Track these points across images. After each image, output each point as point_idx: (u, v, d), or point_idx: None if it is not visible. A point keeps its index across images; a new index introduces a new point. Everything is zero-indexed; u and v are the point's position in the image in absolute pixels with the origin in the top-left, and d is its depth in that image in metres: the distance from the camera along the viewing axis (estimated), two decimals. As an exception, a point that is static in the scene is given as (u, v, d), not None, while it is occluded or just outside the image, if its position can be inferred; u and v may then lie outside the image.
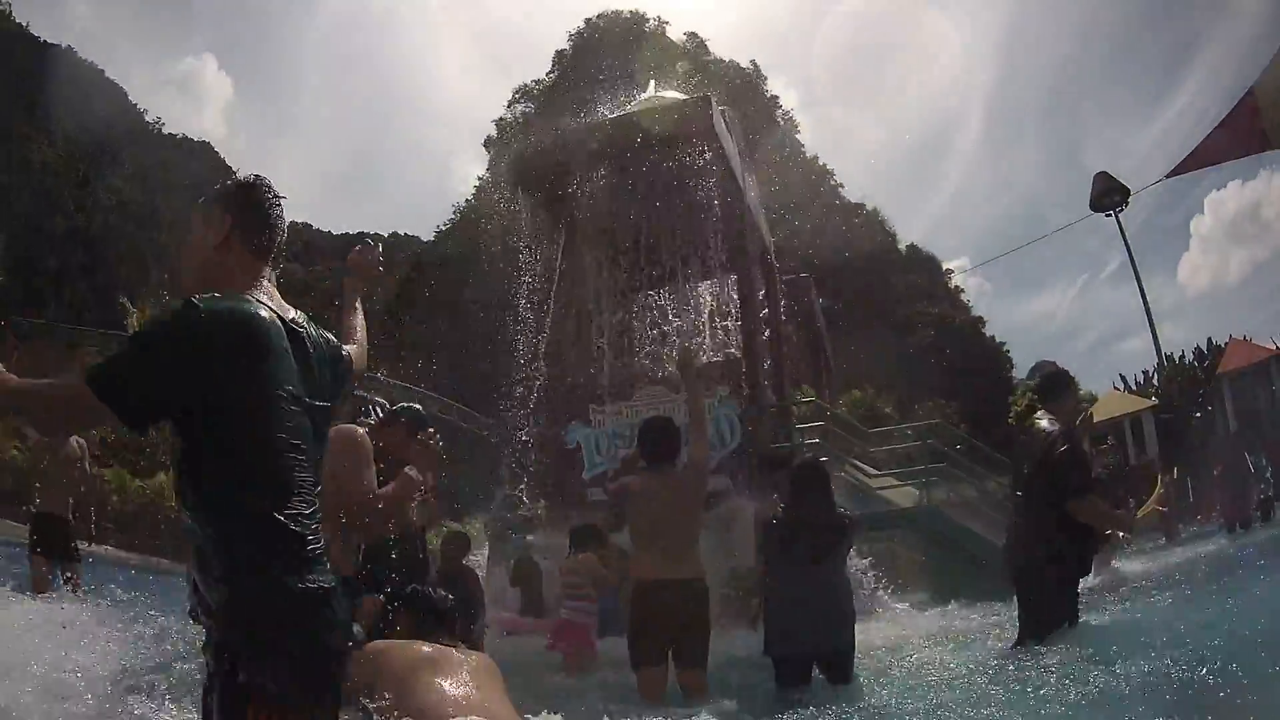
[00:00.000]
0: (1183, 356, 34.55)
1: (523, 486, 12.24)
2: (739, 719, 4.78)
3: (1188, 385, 30.82)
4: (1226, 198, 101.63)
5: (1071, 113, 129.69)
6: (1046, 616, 5.55)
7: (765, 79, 72.82)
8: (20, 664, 4.11)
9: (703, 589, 5.18)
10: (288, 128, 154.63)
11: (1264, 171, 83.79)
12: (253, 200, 2.61)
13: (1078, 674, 4.67)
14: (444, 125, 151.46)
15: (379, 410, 4.94)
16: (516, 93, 71.38)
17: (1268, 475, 17.32)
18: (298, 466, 2.20)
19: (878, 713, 4.69)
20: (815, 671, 5.25)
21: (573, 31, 72.59)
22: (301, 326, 2.42)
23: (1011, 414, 44.61)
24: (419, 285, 61.67)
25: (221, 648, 2.05)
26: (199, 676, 2.20)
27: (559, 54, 71.29)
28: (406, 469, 4.20)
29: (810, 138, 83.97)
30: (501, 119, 69.53)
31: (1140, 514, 16.70)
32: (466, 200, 66.06)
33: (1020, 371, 59.19)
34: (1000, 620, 8.07)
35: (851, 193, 70.03)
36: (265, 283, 2.49)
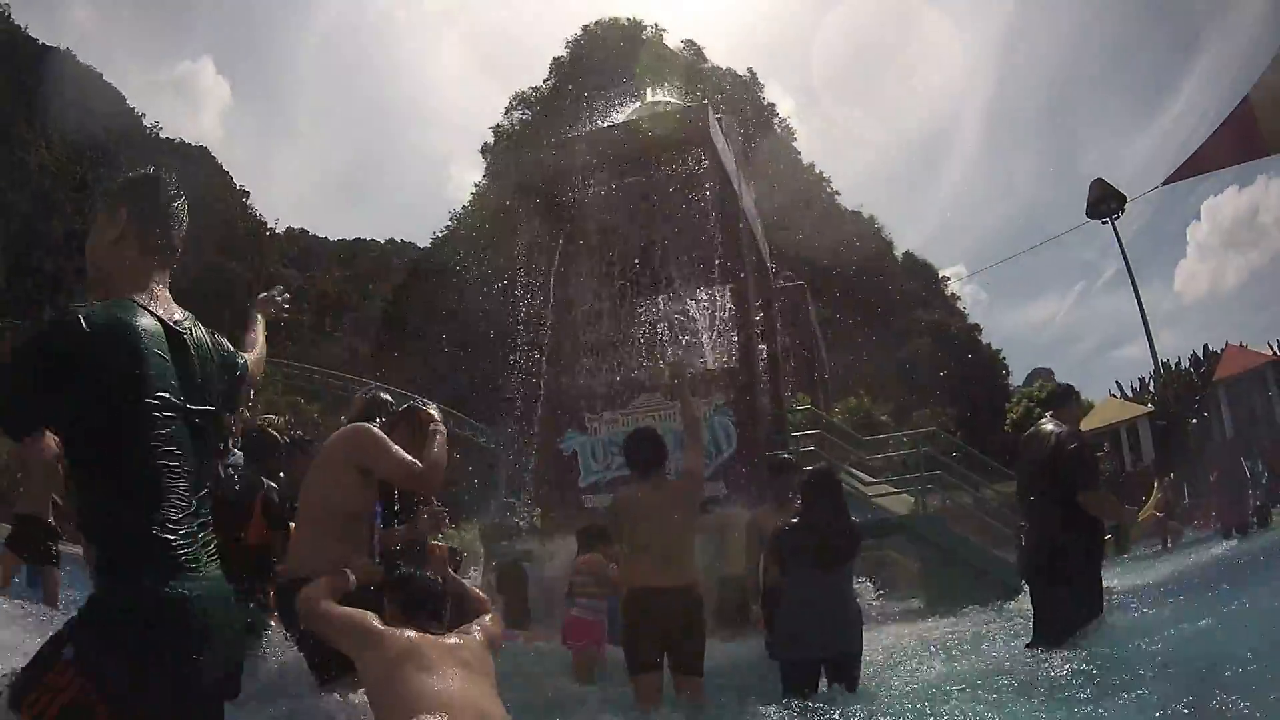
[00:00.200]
0: (1179, 363, 34.61)
1: (519, 494, 12.24)
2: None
3: (1184, 392, 30.88)
4: (1223, 204, 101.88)
5: (1068, 120, 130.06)
6: (1064, 614, 5.60)
7: (762, 86, 73.12)
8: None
9: (697, 595, 5.20)
10: (285, 133, 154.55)
11: (1261, 177, 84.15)
12: (148, 197, 2.61)
13: (1081, 681, 4.68)
14: (441, 131, 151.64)
15: (388, 409, 4.94)
16: (514, 99, 71.53)
17: (1264, 481, 17.37)
18: (169, 473, 2.20)
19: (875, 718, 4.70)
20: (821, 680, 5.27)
21: (570, 39, 72.84)
22: (187, 330, 2.43)
23: (1008, 421, 44.65)
24: (415, 292, 61.70)
25: (69, 639, 2.09)
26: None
27: (556, 61, 71.43)
28: (432, 427, 4.14)
29: (806, 145, 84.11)
30: (499, 126, 69.71)
31: (1139, 518, 16.74)
32: (463, 207, 66.13)
33: (1017, 379, 59.39)
34: (997, 628, 8.08)
35: (848, 200, 70.29)
36: (156, 284, 2.49)
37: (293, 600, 3.69)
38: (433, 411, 4.29)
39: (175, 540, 2.16)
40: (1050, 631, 5.67)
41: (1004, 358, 62.48)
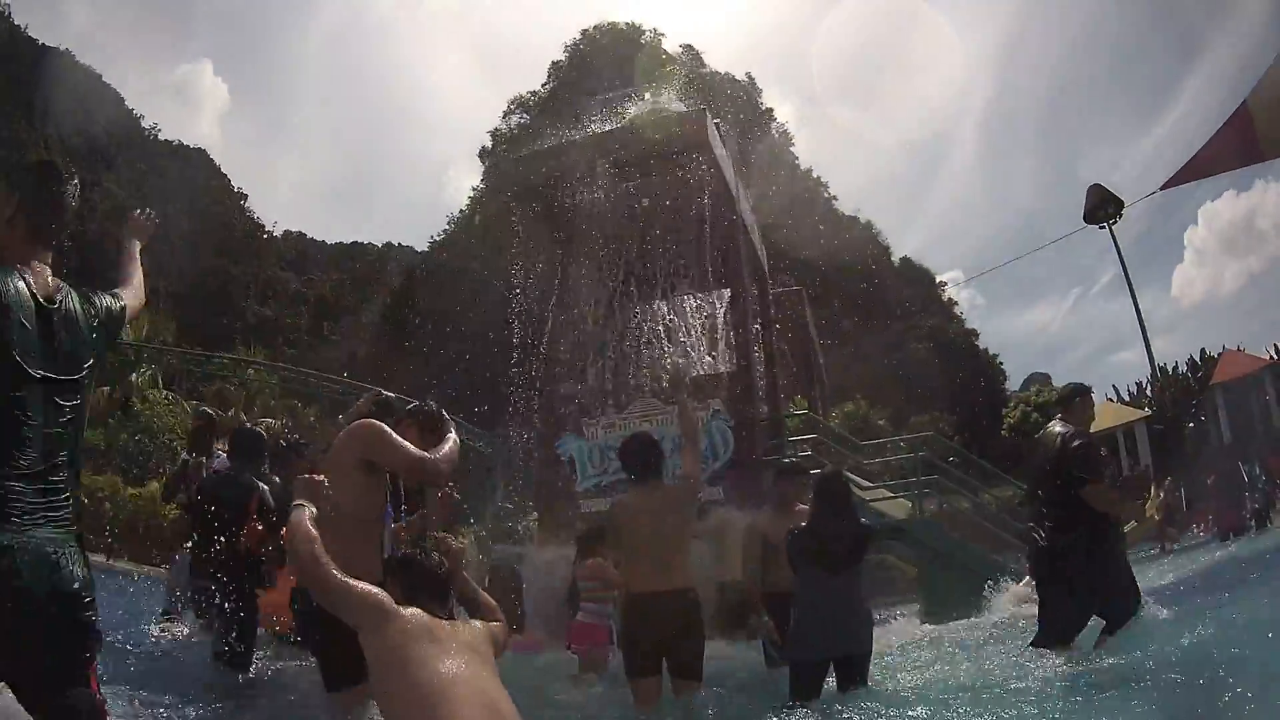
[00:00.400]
0: (1176, 367, 34.64)
1: (515, 498, 12.25)
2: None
3: (1181, 396, 30.89)
4: (1221, 209, 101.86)
5: (1066, 126, 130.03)
6: (1065, 614, 5.63)
7: (760, 91, 73.13)
8: None
9: (695, 599, 5.22)
10: (283, 136, 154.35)
11: (1259, 182, 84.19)
12: (40, 182, 2.78)
13: (1075, 684, 4.69)
14: (439, 136, 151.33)
15: (394, 408, 4.93)
16: (512, 104, 71.43)
17: (1261, 485, 17.38)
18: (9, 435, 2.39)
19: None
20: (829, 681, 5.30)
21: (569, 43, 72.81)
22: (55, 303, 2.61)
23: (1005, 426, 44.68)
24: (413, 296, 61.68)
25: None
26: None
27: (555, 65, 71.39)
28: (448, 435, 4.17)
29: (804, 150, 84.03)
30: (497, 130, 69.60)
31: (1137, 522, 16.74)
32: (461, 211, 66.08)
33: (1014, 384, 59.30)
34: (994, 632, 8.09)
35: (845, 205, 70.28)
36: (37, 260, 2.67)
37: (309, 604, 3.68)
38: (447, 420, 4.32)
39: (4, 496, 2.34)
40: (1053, 631, 5.69)
41: (1001, 362, 62.48)
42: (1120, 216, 28.45)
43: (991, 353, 63.38)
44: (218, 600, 5.40)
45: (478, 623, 3.47)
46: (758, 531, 6.62)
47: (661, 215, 12.10)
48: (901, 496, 14.05)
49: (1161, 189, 20.76)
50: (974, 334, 65.30)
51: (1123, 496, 6.49)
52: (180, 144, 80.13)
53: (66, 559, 2.50)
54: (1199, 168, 19.08)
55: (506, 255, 13.50)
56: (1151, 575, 12.21)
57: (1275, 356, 29.05)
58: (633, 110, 14.54)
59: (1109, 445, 26.63)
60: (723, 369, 12.85)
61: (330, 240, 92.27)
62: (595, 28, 72.97)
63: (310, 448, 6.94)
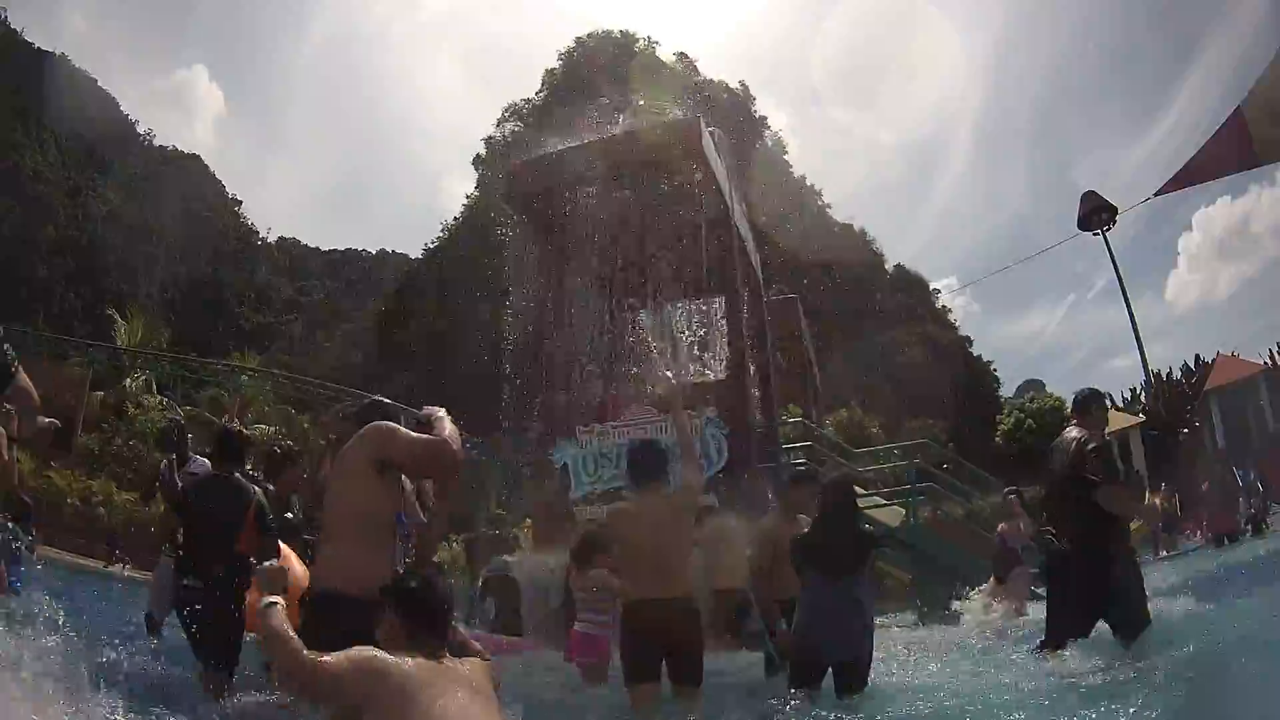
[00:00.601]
0: (1170, 373, 34.81)
1: (509, 505, 12.25)
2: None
3: (1176, 401, 31.02)
4: (1215, 214, 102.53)
5: (1060, 132, 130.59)
6: (1078, 618, 5.66)
7: (754, 99, 73.39)
8: None
9: (695, 606, 5.24)
10: (277, 142, 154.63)
11: (1254, 187, 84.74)
12: None
13: (1072, 687, 4.71)
14: (434, 143, 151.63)
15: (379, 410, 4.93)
16: (506, 111, 71.59)
17: (1257, 489, 17.44)
18: None
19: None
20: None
21: (563, 50, 73.00)
22: None
23: (999, 433, 44.75)
24: (407, 303, 61.68)
25: None
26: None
27: (549, 73, 71.57)
28: (437, 415, 4.12)
29: (798, 157, 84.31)
30: (491, 137, 69.70)
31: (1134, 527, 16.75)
32: (455, 218, 66.11)
33: (1007, 390, 59.41)
34: (988, 638, 8.10)
35: (839, 212, 70.54)
36: None
37: (321, 614, 3.62)
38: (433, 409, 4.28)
39: None
40: (1061, 634, 5.72)
41: (995, 369, 62.74)
42: (1114, 223, 28.42)
43: (985, 359, 63.55)
44: (204, 602, 5.34)
45: (475, 660, 3.36)
46: (769, 538, 6.60)
47: (656, 223, 12.11)
48: (895, 504, 14.07)
49: (1156, 195, 20.74)
50: (967, 340, 65.49)
51: (1135, 501, 6.51)
52: (175, 149, 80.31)
53: None
54: (1193, 173, 19.07)
55: (501, 263, 13.49)
56: (1149, 580, 12.22)
57: (1269, 362, 29.17)
58: (627, 118, 14.57)
59: (1103, 451, 26.69)
60: (717, 376, 12.86)
61: (324, 247, 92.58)
62: (590, 35, 73.24)
63: (304, 455, 6.93)
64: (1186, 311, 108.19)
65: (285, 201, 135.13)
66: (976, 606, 10.12)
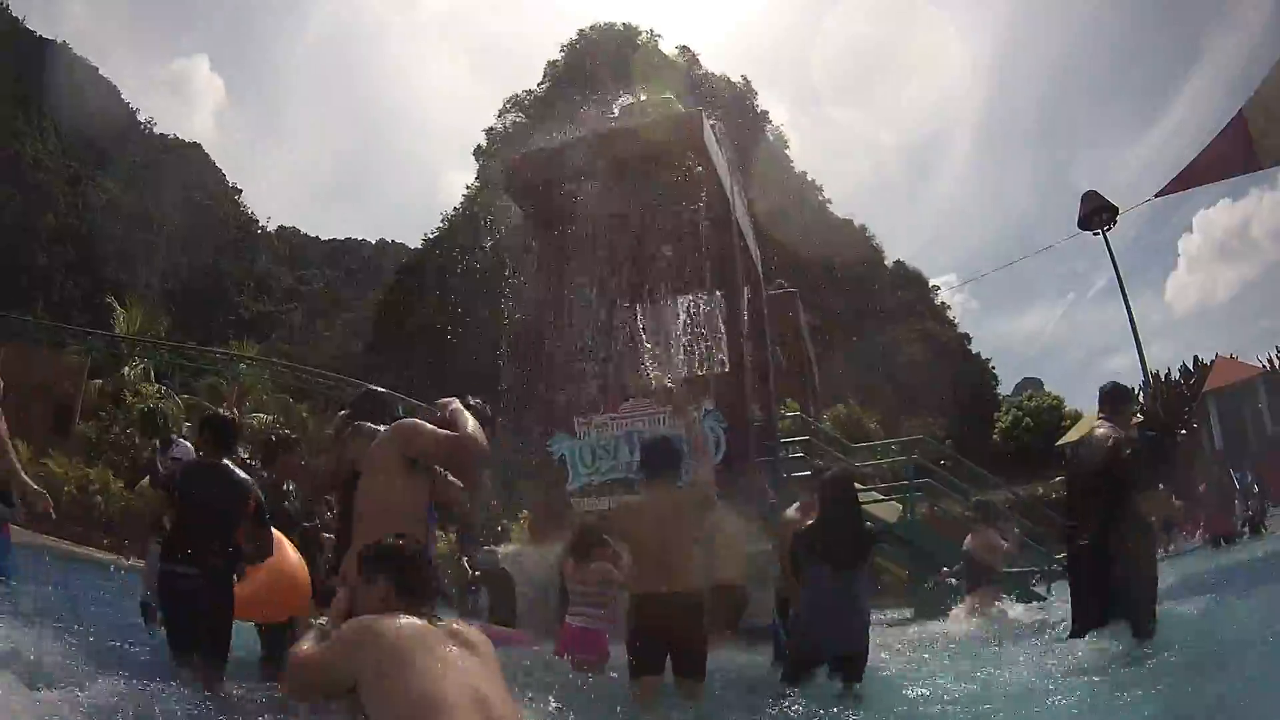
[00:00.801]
0: (1169, 374, 34.77)
1: (506, 497, 12.23)
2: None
3: (1174, 403, 30.99)
4: (1215, 216, 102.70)
5: (1061, 131, 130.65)
6: (1100, 609, 5.71)
7: (755, 94, 73.31)
8: None
9: (700, 599, 5.28)
10: (278, 132, 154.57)
11: (1254, 190, 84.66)
12: None
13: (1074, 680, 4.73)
14: (434, 133, 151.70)
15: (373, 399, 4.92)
16: (507, 102, 71.60)
17: (1255, 491, 17.46)
18: None
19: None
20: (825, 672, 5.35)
21: (565, 43, 72.93)
22: None
23: (997, 430, 44.82)
24: (406, 293, 61.64)
25: None
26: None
27: (551, 65, 71.52)
28: (452, 406, 4.21)
29: (799, 153, 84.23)
30: (492, 128, 69.68)
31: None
32: (455, 209, 66.07)
33: (1006, 388, 59.65)
34: (985, 633, 8.11)
35: (839, 209, 70.55)
36: None
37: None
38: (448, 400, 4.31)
39: None
40: (1088, 624, 5.74)
41: (993, 367, 62.81)
42: (1115, 223, 28.42)
43: (984, 357, 63.58)
44: (195, 592, 5.30)
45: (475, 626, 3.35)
46: (794, 531, 6.61)
47: (656, 216, 12.09)
48: (893, 499, 14.08)
49: (1157, 196, 20.71)
50: (966, 338, 65.58)
51: (1171, 503, 6.57)
52: (175, 138, 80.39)
53: None
54: (1194, 175, 19.00)
55: (500, 254, 13.48)
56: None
57: (1268, 365, 29.17)
58: (629, 111, 14.53)
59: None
60: (716, 370, 12.85)
61: (324, 236, 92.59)
62: (592, 28, 73.20)
63: (301, 444, 6.92)
64: (1185, 313, 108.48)
65: (285, 190, 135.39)
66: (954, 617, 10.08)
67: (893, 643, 8.16)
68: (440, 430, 3.99)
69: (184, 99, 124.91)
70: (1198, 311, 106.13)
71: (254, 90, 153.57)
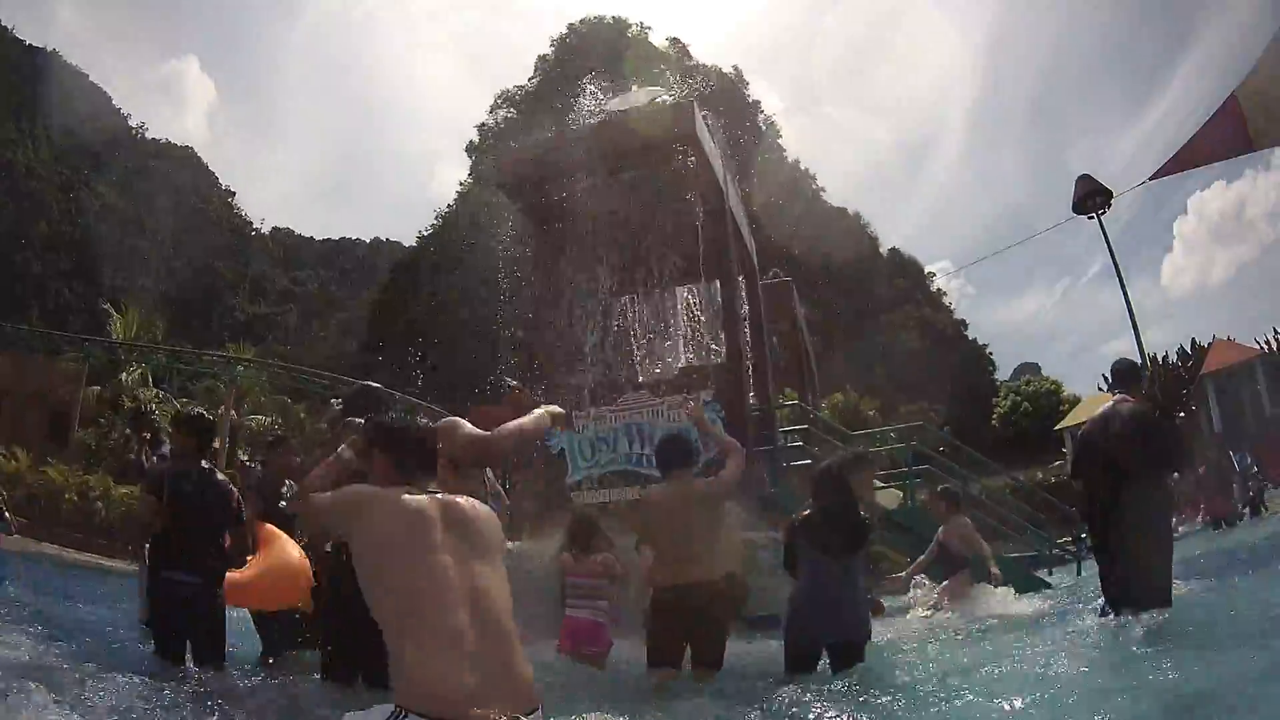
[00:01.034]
0: (1166, 357, 34.81)
1: (504, 489, 12.19)
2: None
3: (1172, 386, 31.04)
4: (1210, 199, 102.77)
5: (1055, 116, 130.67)
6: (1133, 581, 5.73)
7: (747, 84, 73.22)
8: None
9: (721, 590, 5.37)
10: (270, 132, 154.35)
11: (1249, 172, 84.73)
12: None
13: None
14: (426, 131, 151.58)
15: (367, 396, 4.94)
16: (499, 98, 71.46)
17: (1254, 472, 17.49)
18: None
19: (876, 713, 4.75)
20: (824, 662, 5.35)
21: (555, 37, 72.83)
22: None
23: (995, 416, 44.85)
24: (401, 291, 61.60)
25: None
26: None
27: (541, 59, 71.44)
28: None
29: (792, 142, 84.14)
30: (484, 124, 69.58)
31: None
32: (449, 206, 65.98)
33: (1003, 374, 59.70)
34: (984, 621, 8.11)
35: (834, 197, 70.46)
36: None
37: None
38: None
39: None
40: (1125, 599, 5.75)
41: (991, 352, 62.85)
42: (1109, 207, 28.40)
43: (981, 343, 63.61)
44: (188, 597, 5.29)
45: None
46: (789, 522, 6.63)
47: (650, 208, 12.07)
48: (892, 486, 14.08)
49: (1151, 179, 20.70)
50: (963, 324, 65.63)
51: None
52: (168, 142, 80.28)
53: None
54: (1188, 158, 19.02)
55: (495, 249, 13.46)
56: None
57: (1265, 347, 29.22)
58: (620, 103, 14.50)
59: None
60: (712, 360, 12.85)
61: (319, 237, 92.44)
62: (582, 21, 73.09)
63: (295, 442, 6.94)
64: (1182, 296, 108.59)
65: (279, 192, 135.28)
66: (923, 609, 10.05)
67: (889, 631, 8.16)
68: (475, 433, 4.03)
69: (175, 101, 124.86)
70: (1194, 294, 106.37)
71: (245, 92, 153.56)
